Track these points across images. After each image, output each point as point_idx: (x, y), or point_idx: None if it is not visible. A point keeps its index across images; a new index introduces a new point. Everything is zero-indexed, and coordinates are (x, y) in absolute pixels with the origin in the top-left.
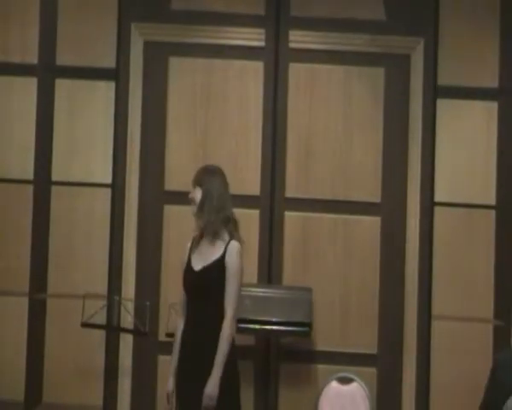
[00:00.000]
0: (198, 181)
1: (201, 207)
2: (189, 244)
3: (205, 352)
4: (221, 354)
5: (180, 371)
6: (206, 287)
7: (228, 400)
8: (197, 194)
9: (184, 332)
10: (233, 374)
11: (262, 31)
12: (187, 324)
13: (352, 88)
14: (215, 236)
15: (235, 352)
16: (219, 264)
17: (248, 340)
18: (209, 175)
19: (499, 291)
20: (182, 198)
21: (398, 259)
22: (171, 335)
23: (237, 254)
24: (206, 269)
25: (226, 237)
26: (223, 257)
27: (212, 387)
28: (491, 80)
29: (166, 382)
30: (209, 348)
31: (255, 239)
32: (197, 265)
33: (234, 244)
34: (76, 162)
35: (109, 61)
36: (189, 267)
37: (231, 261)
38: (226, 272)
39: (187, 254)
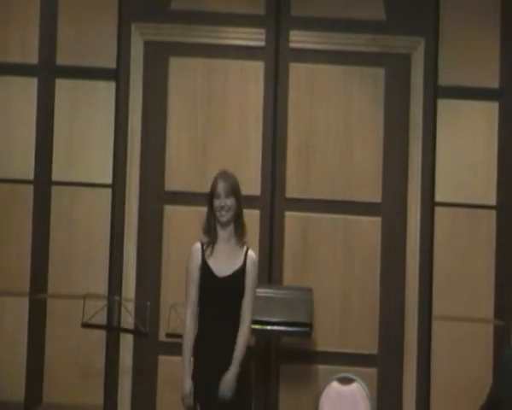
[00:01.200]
0: (235, 192)
1: (240, 220)
2: (198, 246)
3: (229, 355)
4: (240, 352)
5: (204, 375)
6: (232, 293)
7: (244, 400)
8: (232, 203)
9: (205, 334)
10: (249, 376)
11: (262, 31)
12: (207, 326)
13: (352, 88)
14: (240, 244)
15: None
16: (242, 271)
17: (249, 340)
18: (239, 187)
19: (500, 291)
20: (182, 198)
21: (398, 259)
22: (171, 335)
23: (257, 265)
24: (233, 276)
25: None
26: (244, 265)
27: (231, 377)
28: (491, 80)
29: (182, 383)
30: (231, 351)
31: (256, 239)
32: (219, 271)
33: (253, 255)
34: (76, 162)
35: (109, 61)
36: (209, 273)
37: (253, 272)
38: (246, 281)
39: (200, 258)
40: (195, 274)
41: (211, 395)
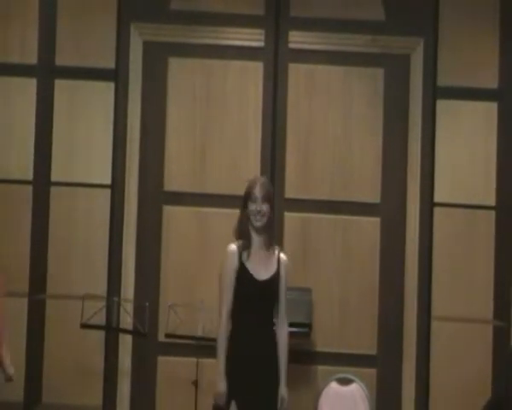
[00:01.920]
0: (270, 198)
1: (272, 226)
2: (234, 249)
3: (270, 355)
4: (286, 362)
5: (243, 376)
6: (270, 297)
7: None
8: (267, 209)
9: (243, 336)
10: None
11: (261, 31)
12: (244, 329)
13: (351, 88)
14: (272, 250)
15: None
16: (277, 275)
17: None
18: (273, 193)
19: (499, 292)
20: (181, 199)
21: (397, 260)
22: (170, 335)
23: (289, 269)
24: (270, 280)
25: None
26: (278, 269)
27: (286, 390)
28: (490, 81)
29: (218, 382)
30: (272, 352)
31: None
32: (258, 275)
33: (286, 259)
34: (75, 163)
35: (109, 62)
36: (248, 276)
37: (286, 276)
38: (280, 285)
39: (236, 261)
40: (232, 276)
41: (251, 395)
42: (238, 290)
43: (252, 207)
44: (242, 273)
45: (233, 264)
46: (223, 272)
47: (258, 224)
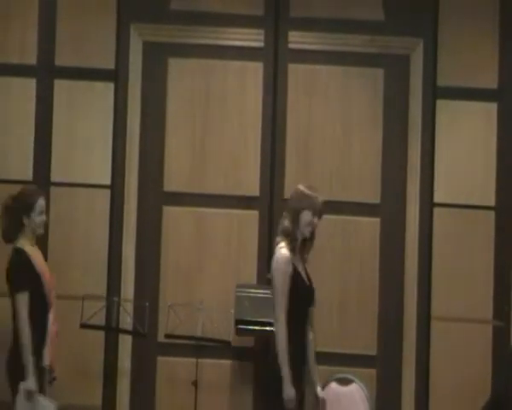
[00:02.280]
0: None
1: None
2: (288, 255)
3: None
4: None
5: (301, 380)
6: (313, 299)
7: None
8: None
9: (297, 341)
10: None
11: (261, 31)
12: (297, 334)
13: (351, 89)
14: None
15: None
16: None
17: (248, 341)
18: None
19: (498, 292)
20: (180, 199)
21: (397, 260)
22: (170, 336)
23: None
24: (311, 284)
25: None
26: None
27: None
28: (490, 81)
29: (288, 387)
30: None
31: (254, 240)
32: (306, 280)
33: None
34: (75, 163)
35: (108, 62)
36: (304, 281)
37: None
38: None
39: (291, 267)
40: (288, 282)
41: (301, 400)
42: (291, 294)
43: (309, 217)
44: (297, 278)
45: (289, 269)
46: (280, 276)
47: (308, 234)
